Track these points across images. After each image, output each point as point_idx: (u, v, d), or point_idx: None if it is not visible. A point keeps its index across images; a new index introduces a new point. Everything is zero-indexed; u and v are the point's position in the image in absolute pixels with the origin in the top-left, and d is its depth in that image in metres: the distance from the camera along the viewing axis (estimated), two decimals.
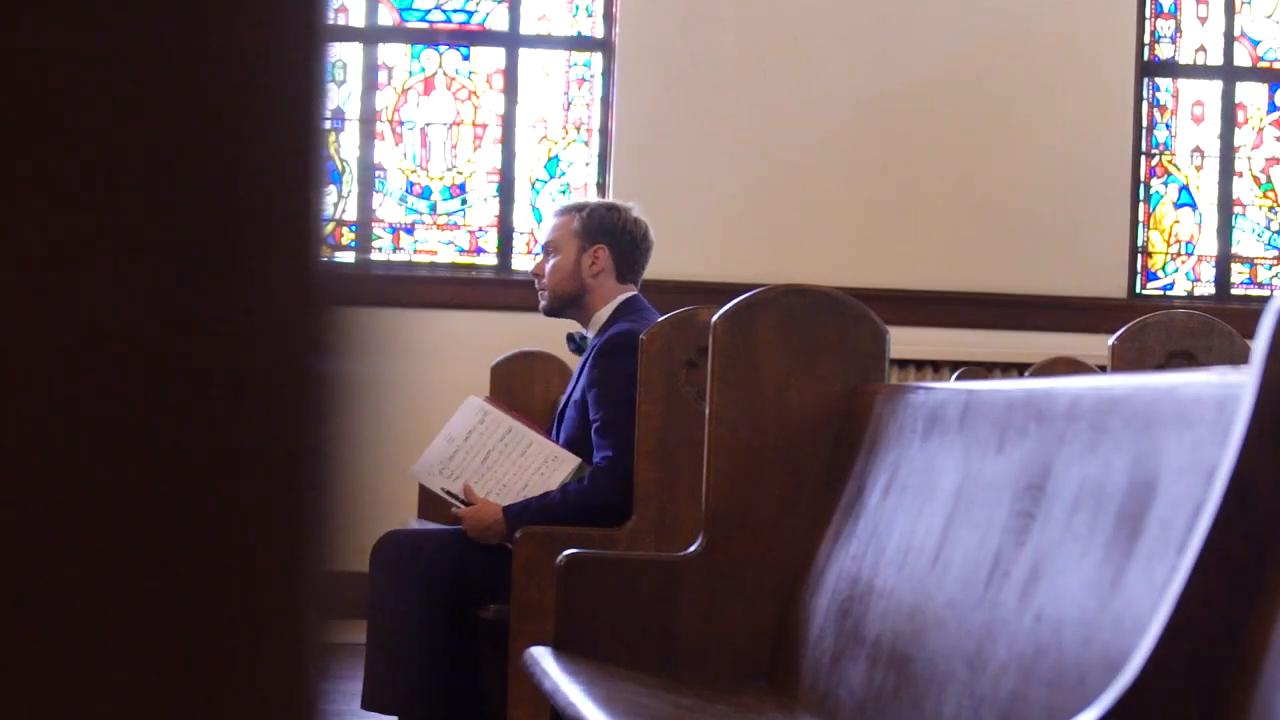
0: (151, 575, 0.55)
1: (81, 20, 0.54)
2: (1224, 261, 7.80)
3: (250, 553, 0.56)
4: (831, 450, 3.03)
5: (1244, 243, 7.83)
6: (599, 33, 7.53)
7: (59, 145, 0.55)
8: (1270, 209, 7.85)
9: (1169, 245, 7.79)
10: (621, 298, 4.26)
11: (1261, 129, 7.85)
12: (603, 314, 4.24)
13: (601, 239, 4.26)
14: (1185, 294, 7.75)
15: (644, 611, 3.05)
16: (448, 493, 4.16)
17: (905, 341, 6.98)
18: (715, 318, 3.11)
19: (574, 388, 4.23)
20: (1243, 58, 7.84)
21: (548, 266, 4.29)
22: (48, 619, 0.54)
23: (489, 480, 4.14)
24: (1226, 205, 7.79)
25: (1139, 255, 7.75)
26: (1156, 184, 7.79)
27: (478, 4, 7.50)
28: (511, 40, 7.50)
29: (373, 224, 6.93)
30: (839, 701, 2.62)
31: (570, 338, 4.34)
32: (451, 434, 4.23)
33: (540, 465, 4.12)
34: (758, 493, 3.06)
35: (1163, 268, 7.79)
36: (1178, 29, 7.81)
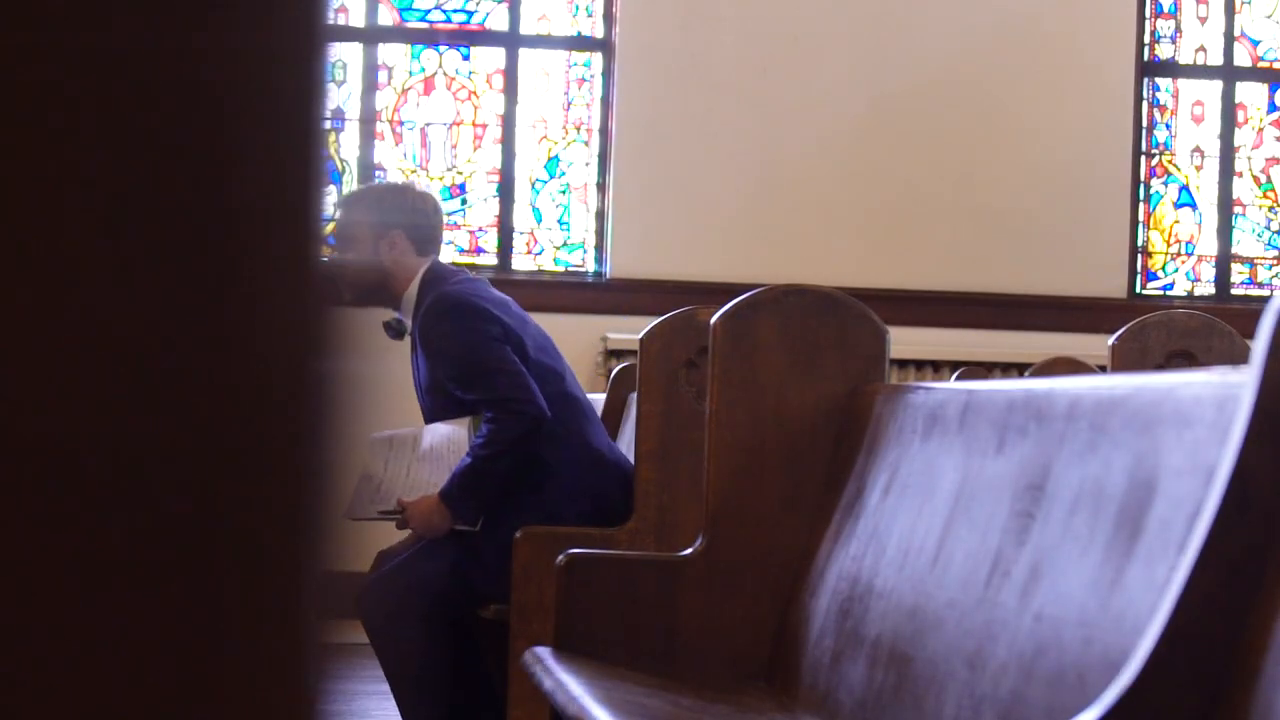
0: (151, 575, 0.55)
1: (81, 20, 0.54)
2: (1224, 261, 7.80)
3: (250, 553, 0.56)
4: (831, 450, 3.03)
5: (1244, 243, 7.83)
6: (599, 33, 7.53)
7: (59, 146, 0.55)
8: (1270, 209, 7.85)
9: (1169, 245, 7.79)
10: (421, 271, 4.23)
11: (1261, 129, 7.85)
12: (411, 293, 4.20)
13: (395, 222, 4.23)
14: (1185, 294, 7.75)
15: (644, 611, 3.05)
16: (384, 513, 4.13)
17: (905, 341, 6.98)
18: (715, 318, 3.11)
19: (418, 373, 4.19)
20: (1243, 58, 7.84)
21: (346, 257, 4.25)
22: (47, 619, 0.54)
23: (419, 489, 4.11)
24: (1226, 205, 7.79)
25: (1139, 255, 7.75)
26: (1156, 184, 7.79)
27: (478, 4, 7.50)
28: (511, 40, 7.50)
29: None
30: (839, 701, 2.62)
31: (387, 325, 4.29)
32: (369, 473, 4.21)
33: (448, 446, 4.09)
34: (758, 493, 3.06)
35: (1163, 268, 7.79)
36: (1178, 29, 7.81)
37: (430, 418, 4.21)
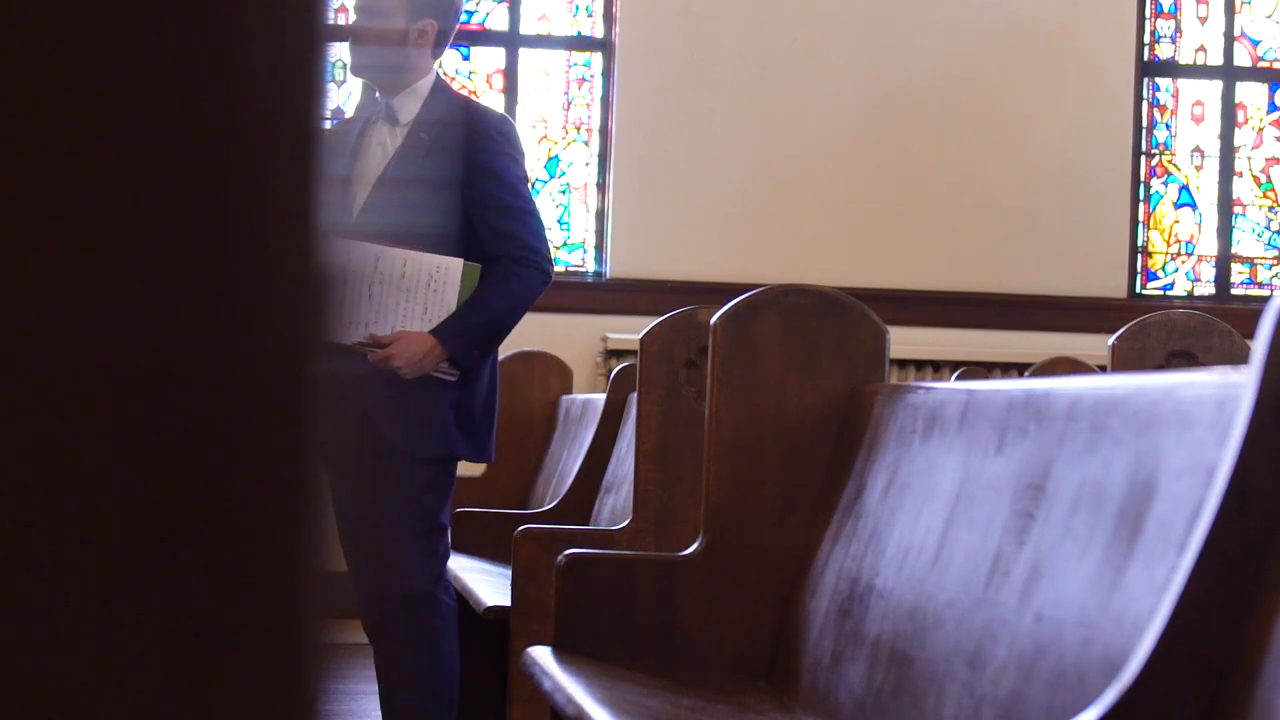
0: (152, 576, 0.55)
1: (82, 22, 0.54)
2: (1224, 261, 7.80)
3: (250, 553, 0.56)
4: (831, 450, 3.03)
5: (1244, 243, 7.83)
6: (599, 33, 7.53)
7: (59, 146, 0.55)
8: (1270, 209, 7.85)
9: (1169, 245, 7.80)
10: (435, 74, 4.09)
11: (1261, 129, 7.85)
12: (421, 88, 4.04)
13: (431, 12, 4.06)
14: (1185, 294, 7.75)
15: (644, 611, 3.05)
16: (359, 345, 3.80)
17: (905, 341, 6.98)
18: (715, 318, 3.11)
19: (400, 164, 3.98)
20: (1243, 58, 7.84)
21: (371, 26, 4.05)
22: (50, 619, 0.54)
23: (385, 316, 3.84)
24: (1226, 205, 7.79)
25: (1139, 255, 7.75)
26: (1156, 184, 7.79)
27: (478, 4, 7.50)
28: (511, 40, 7.50)
29: None
30: (839, 701, 2.62)
31: (381, 105, 4.12)
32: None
33: (428, 280, 3.86)
34: (758, 493, 3.06)
35: (1163, 268, 7.79)
36: (1178, 29, 7.81)
37: (366, 212, 3.96)
